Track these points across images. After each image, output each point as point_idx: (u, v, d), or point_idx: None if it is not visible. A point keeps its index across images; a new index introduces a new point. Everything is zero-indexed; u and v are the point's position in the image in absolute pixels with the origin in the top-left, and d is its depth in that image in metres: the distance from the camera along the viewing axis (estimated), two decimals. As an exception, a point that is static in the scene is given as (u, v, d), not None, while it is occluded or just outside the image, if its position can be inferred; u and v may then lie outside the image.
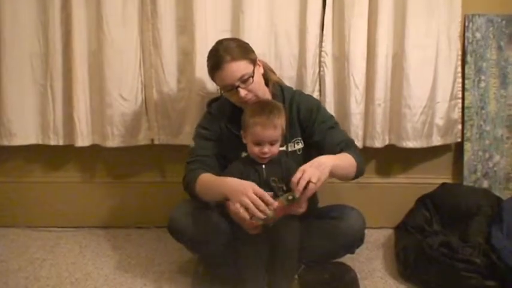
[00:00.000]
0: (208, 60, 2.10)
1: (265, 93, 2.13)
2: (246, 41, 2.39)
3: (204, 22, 2.46)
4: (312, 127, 2.14)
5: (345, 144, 2.11)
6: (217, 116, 2.18)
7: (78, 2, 2.48)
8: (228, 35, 2.44)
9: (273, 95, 2.17)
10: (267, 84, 2.18)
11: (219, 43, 2.10)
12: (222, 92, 2.10)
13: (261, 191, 1.83)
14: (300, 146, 2.16)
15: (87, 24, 2.53)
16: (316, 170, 1.83)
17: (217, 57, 2.03)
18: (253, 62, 2.08)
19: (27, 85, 2.61)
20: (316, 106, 2.19)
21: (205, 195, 2.00)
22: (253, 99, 2.06)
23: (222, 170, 2.10)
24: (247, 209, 1.80)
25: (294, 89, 2.30)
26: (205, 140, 2.15)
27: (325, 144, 2.11)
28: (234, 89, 2.04)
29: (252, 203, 1.80)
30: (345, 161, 2.01)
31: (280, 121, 1.98)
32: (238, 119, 2.09)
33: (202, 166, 2.07)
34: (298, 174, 1.82)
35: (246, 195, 1.81)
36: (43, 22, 2.55)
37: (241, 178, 1.94)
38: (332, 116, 2.26)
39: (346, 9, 2.45)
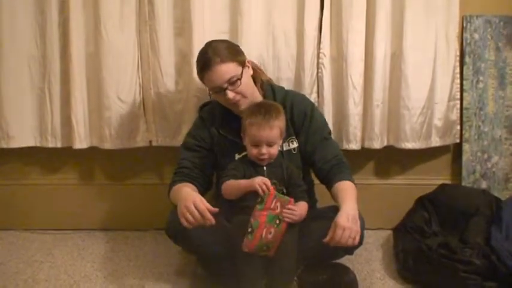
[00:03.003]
0: (197, 62, 2.12)
1: (254, 94, 2.15)
2: (244, 42, 2.40)
3: (201, 24, 2.46)
4: (306, 134, 2.16)
5: (337, 163, 2.13)
6: (208, 121, 2.19)
7: (75, 5, 2.48)
8: (226, 37, 2.44)
9: (264, 95, 2.18)
10: (258, 84, 2.20)
11: (208, 45, 2.11)
12: (211, 93, 2.11)
13: (201, 206, 1.85)
14: (295, 145, 2.16)
15: (85, 27, 2.52)
16: (354, 226, 1.86)
17: (206, 59, 2.05)
18: (242, 63, 2.09)
19: (25, 87, 2.61)
20: (310, 109, 2.20)
21: (174, 202, 2.03)
22: (241, 101, 2.07)
23: (208, 178, 2.15)
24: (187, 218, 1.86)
25: (286, 88, 2.31)
26: (190, 151, 2.18)
27: (316, 157, 2.14)
28: (222, 90, 2.05)
29: (189, 212, 1.85)
30: (355, 194, 2.03)
31: (278, 122, 1.99)
32: (228, 121, 2.13)
33: (184, 178, 2.11)
34: (339, 232, 1.84)
35: (185, 206, 1.86)
36: (41, 24, 2.55)
37: (244, 177, 1.97)
38: (326, 123, 2.27)
39: (343, 11, 2.45)
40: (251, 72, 2.16)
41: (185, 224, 1.87)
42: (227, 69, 2.04)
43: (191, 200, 1.88)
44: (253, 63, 2.23)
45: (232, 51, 2.09)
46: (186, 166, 2.14)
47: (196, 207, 1.85)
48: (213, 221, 1.86)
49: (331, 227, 1.87)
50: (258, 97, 2.17)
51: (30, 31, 2.56)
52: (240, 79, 2.05)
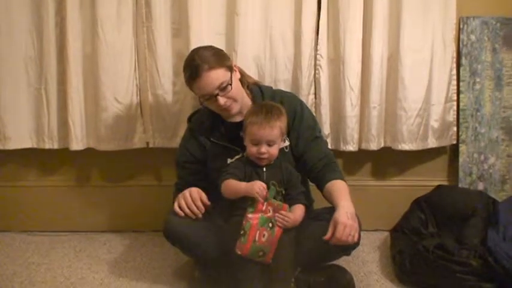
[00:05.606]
0: (184, 70, 2.10)
1: (243, 97, 2.15)
2: (241, 43, 2.40)
3: (199, 25, 2.46)
4: (297, 133, 2.16)
5: (328, 162, 2.15)
6: (197, 131, 2.19)
7: (72, 5, 2.47)
8: (223, 38, 2.45)
9: (252, 97, 2.19)
10: (244, 86, 2.20)
11: (194, 52, 2.10)
12: (201, 100, 2.11)
13: (195, 195, 2.02)
14: (287, 143, 2.16)
15: (82, 28, 2.52)
16: (354, 223, 1.89)
17: (195, 67, 2.04)
18: (230, 68, 2.09)
19: (22, 89, 2.60)
20: (300, 108, 2.20)
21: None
22: (233, 106, 2.08)
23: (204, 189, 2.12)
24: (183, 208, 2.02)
25: (274, 88, 2.32)
26: (184, 169, 2.21)
27: (308, 155, 2.15)
28: (213, 97, 2.05)
29: (183, 198, 2.02)
30: (349, 194, 2.04)
31: (279, 123, 1.99)
32: (218, 127, 2.14)
33: None
34: (340, 229, 1.85)
35: (182, 194, 2.04)
36: (37, 25, 2.55)
37: (245, 177, 1.99)
38: (316, 121, 2.27)
39: (341, 12, 2.45)
40: (239, 75, 2.17)
41: (176, 209, 2.02)
42: (217, 76, 2.04)
43: (188, 189, 2.05)
44: (238, 67, 2.23)
45: (219, 57, 2.08)
46: (184, 183, 2.16)
47: (190, 195, 2.01)
48: (202, 210, 2.01)
49: (331, 225, 1.88)
50: (247, 99, 2.18)
51: (27, 32, 2.56)
52: (230, 84, 2.06)
